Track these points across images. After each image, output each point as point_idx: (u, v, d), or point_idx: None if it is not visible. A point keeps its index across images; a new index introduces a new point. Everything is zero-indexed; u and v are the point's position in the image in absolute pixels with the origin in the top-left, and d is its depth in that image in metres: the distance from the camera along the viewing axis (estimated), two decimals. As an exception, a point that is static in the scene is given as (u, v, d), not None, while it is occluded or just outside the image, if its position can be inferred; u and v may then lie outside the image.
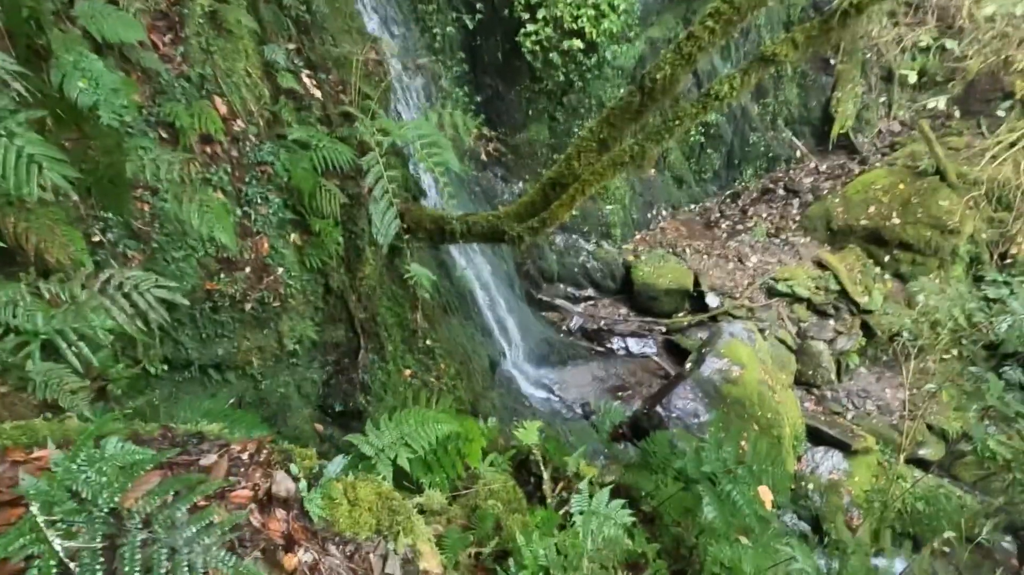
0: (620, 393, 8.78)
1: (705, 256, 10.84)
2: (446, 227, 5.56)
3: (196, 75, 4.10)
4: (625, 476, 3.49)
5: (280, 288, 4.67)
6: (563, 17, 7.83)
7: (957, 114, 11.94)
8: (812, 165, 12.60)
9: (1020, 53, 10.92)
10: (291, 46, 4.99)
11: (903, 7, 12.15)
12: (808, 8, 11.26)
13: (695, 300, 10.04)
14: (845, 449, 8.13)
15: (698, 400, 7.71)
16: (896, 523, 7.49)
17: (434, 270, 6.62)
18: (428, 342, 6.41)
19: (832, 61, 12.44)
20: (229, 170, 4.26)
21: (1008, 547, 7.43)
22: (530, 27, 7.99)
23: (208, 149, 4.15)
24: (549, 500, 2.94)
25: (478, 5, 8.12)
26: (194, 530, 1.16)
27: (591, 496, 2.50)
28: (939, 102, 11.81)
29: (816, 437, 8.31)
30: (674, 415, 7.59)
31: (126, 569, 1.08)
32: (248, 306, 4.43)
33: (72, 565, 1.05)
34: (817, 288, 9.87)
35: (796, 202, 11.98)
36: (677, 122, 4.44)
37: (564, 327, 9.76)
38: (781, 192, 12.26)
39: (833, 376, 9.36)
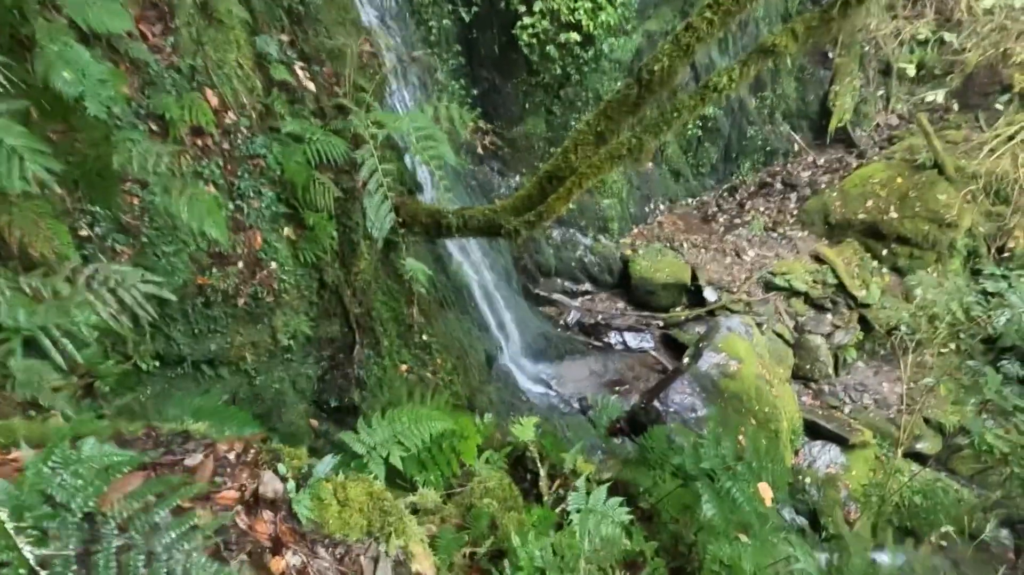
0: (617, 387, 8.74)
1: (703, 250, 10.80)
2: (442, 221, 5.50)
3: (187, 66, 4.03)
4: (623, 472, 3.45)
5: (273, 283, 4.61)
6: (560, 10, 7.75)
7: (955, 107, 11.90)
8: (810, 159, 12.56)
9: (1019, 46, 10.88)
10: (284, 37, 4.91)
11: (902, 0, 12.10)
12: (807, 0, 11.20)
13: (692, 294, 10.01)
14: (842, 443, 8.12)
15: (695, 395, 7.70)
16: (894, 517, 7.49)
17: (430, 264, 6.57)
18: (424, 337, 6.37)
19: (830, 54, 12.38)
20: (221, 163, 4.20)
21: (1005, 540, 7.44)
22: (527, 20, 7.92)
23: (199, 142, 4.08)
24: (546, 498, 2.90)
25: (474, -3, 8.05)
26: (174, 535, 1.12)
27: (588, 493, 2.46)
28: (937, 95, 11.77)
29: (814, 431, 8.30)
30: (672, 410, 7.57)
31: (102, 576, 1.03)
32: (241, 301, 4.37)
33: (44, 573, 1.00)
34: (815, 282, 9.84)
35: (794, 196, 11.94)
36: (675, 114, 4.39)
37: (561, 321, 9.71)
38: (779, 186, 12.22)
39: (831, 370, 9.34)
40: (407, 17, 7.64)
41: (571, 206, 5.20)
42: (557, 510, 2.75)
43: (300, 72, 5.01)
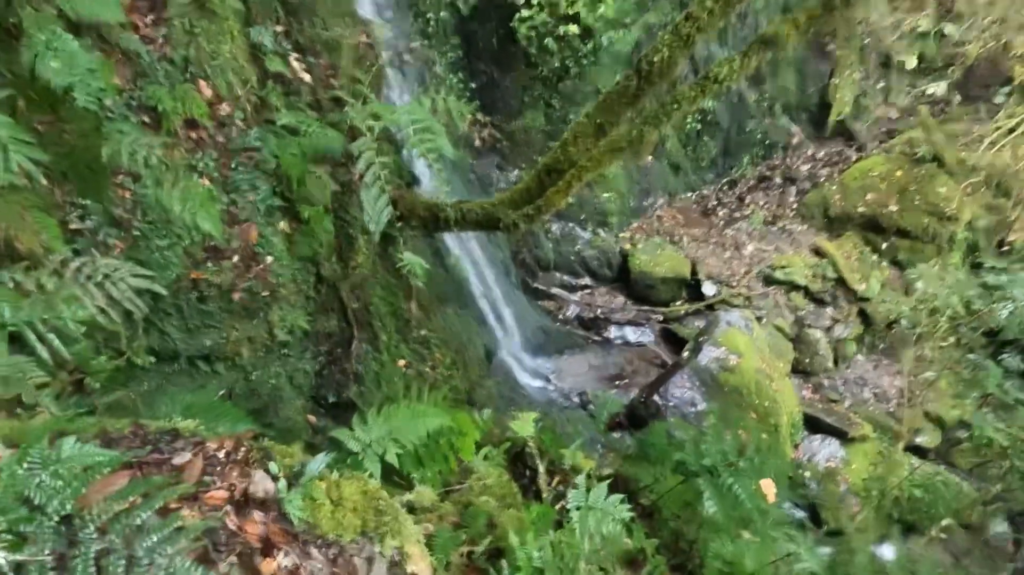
0: (617, 382, 8.71)
1: (702, 244, 10.75)
2: (440, 215, 5.45)
3: (179, 57, 3.97)
4: (623, 468, 3.42)
5: (269, 277, 4.57)
6: (558, 2, 7.68)
7: (956, 100, 11.84)
8: (809, 152, 12.49)
9: (1020, 38, 10.81)
10: (279, 28, 4.85)
11: (902, -9, 12.01)
12: (806, -8, 11.09)
13: (692, 288, 9.97)
14: (842, 437, 8.09)
15: (695, 389, 7.66)
16: (894, 510, 7.47)
17: (428, 258, 6.52)
18: (423, 331, 6.32)
19: (830, 47, 12.31)
20: (215, 156, 4.14)
21: (1004, 533, 7.43)
22: (525, 12, 7.85)
23: (193, 134, 4.03)
24: (545, 494, 2.86)
25: (472, -11, 7.97)
26: (156, 538, 1.07)
27: (588, 490, 2.42)
28: (938, 88, 11.71)
29: (813, 425, 8.27)
30: (671, 404, 7.54)
31: (78, 582, 0.98)
32: (236, 296, 4.33)
33: (19, 579, 0.96)
34: (814, 276, 9.80)
35: (793, 189, 11.88)
36: (675, 106, 4.34)
37: (560, 316, 9.67)
38: (778, 180, 12.16)
39: (830, 364, 9.31)
40: (404, 9, 7.57)
41: (570, 200, 5.15)
42: (556, 507, 2.71)
43: (295, 64, 4.95)
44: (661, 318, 9.68)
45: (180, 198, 3.08)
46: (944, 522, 6.55)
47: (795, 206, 11.49)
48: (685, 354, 8.10)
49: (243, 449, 1.54)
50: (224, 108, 4.25)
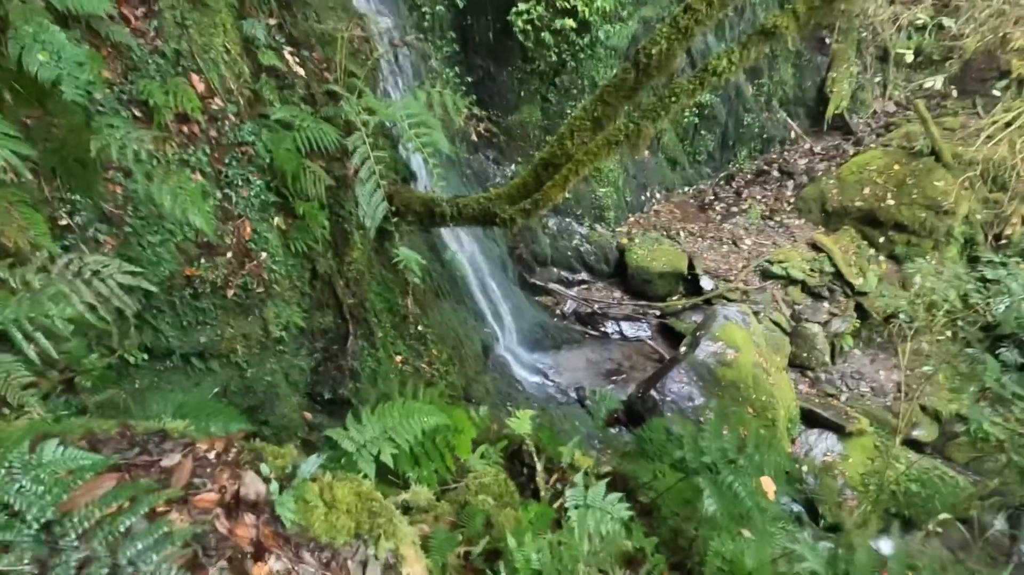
0: (614, 377, 8.70)
1: (699, 239, 10.73)
2: (436, 210, 5.41)
3: (171, 51, 3.91)
4: (621, 465, 3.39)
5: (264, 273, 4.52)
6: (555, -5, 7.64)
7: (953, 94, 11.82)
8: (807, 146, 12.48)
9: (1017, 31, 10.78)
10: (272, 21, 4.79)
11: (900, -16, 11.99)
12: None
13: (689, 283, 9.95)
14: (839, 431, 8.09)
15: (693, 384, 7.65)
16: (891, 505, 7.47)
17: (424, 254, 6.48)
18: (419, 327, 6.29)
19: (827, 41, 12.27)
20: (208, 151, 4.09)
21: (1000, 526, 7.44)
22: (521, 6, 7.79)
23: (185, 128, 3.97)
24: (543, 493, 2.83)
25: (468, -18, 7.91)
26: (141, 545, 1.04)
27: (586, 488, 2.39)
28: (936, 82, 11.69)
29: (810, 419, 8.27)
30: (669, 399, 7.52)
31: (58, 592, 0.95)
32: (230, 292, 4.28)
33: (-2, 589, 0.92)
34: (812, 270, 9.79)
35: (791, 184, 11.87)
36: (673, 99, 4.30)
37: (558, 311, 9.65)
38: (775, 174, 12.14)
39: (827, 358, 9.31)
40: (399, 2, 7.50)
41: (567, 195, 5.11)
42: (555, 506, 2.68)
43: (289, 57, 4.89)
44: (658, 313, 9.67)
45: (171, 193, 3.03)
46: (941, 516, 6.55)
47: (792, 200, 11.48)
48: (682, 349, 8.09)
49: (234, 450, 1.50)
50: (217, 102, 4.20)
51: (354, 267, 5.44)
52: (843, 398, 8.89)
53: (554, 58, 8.34)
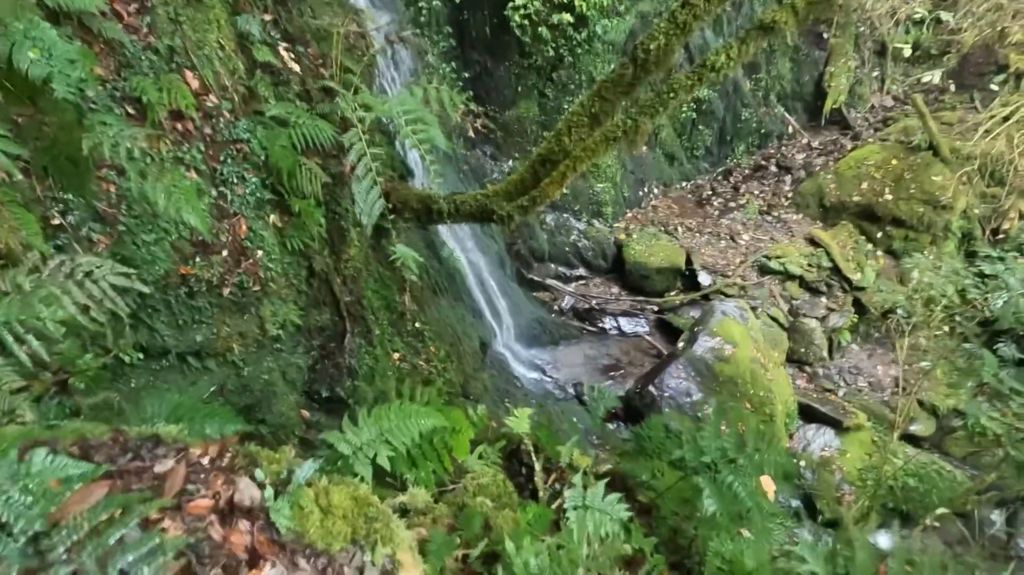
0: (612, 373, 8.70)
1: (697, 234, 10.72)
2: (433, 207, 5.38)
3: (164, 47, 3.86)
4: (620, 464, 3.38)
5: (260, 271, 4.49)
6: (552, -11, 7.60)
7: (951, 88, 11.80)
8: (804, 141, 12.46)
9: (1015, 25, 10.76)
10: (266, 17, 4.74)
11: (898, -22, 11.95)
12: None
13: (687, 279, 9.95)
14: (837, 426, 8.11)
15: (691, 379, 7.65)
16: (888, 499, 7.49)
17: (422, 251, 6.45)
18: (417, 324, 6.27)
19: (825, 35, 12.24)
20: (202, 148, 4.05)
21: (997, 520, 7.46)
22: (518, 1, 7.75)
23: (179, 126, 3.93)
24: (541, 493, 2.82)
25: (464, -24, 7.86)
26: (132, 557, 1.02)
27: (585, 488, 2.38)
28: (934, 76, 11.67)
29: (808, 414, 8.28)
30: (667, 394, 7.52)
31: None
32: (226, 291, 4.25)
33: (-15, 606, 0.90)
34: (809, 265, 9.79)
35: (788, 179, 11.86)
36: (671, 95, 4.27)
37: (556, 307, 9.64)
38: (773, 169, 12.13)
39: (825, 353, 9.32)
40: (395, -4, 7.45)
41: (565, 190, 5.09)
42: (553, 506, 2.67)
43: (284, 53, 4.85)
44: (656, 308, 9.66)
45: (166, 192, 3.00)
46: (938, 511, 6.56)
47: (790, 195, 11.47)
48: (680, 344, 8.08)
49: (228, 455, 1.48)
50: (211, 99, 4.16)
51: (351, 264, 5.41)
52: (841, 393, 8.90)
53: (551, 53, 8.30)
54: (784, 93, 12.43)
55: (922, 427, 8.40)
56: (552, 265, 9.97)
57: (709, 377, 7.59)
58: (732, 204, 11.52)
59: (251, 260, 4.41)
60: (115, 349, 3.37)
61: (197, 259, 4.01)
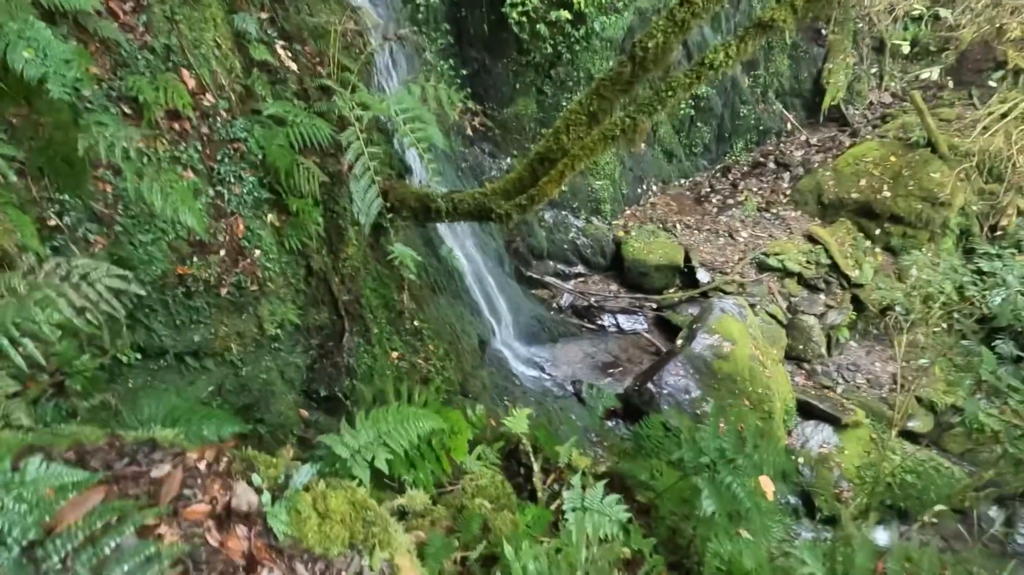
0: (611, 370, 8.70)
1: (696, 231, 10.72)
2: (431, 205, 5.37)
3: (161, 46, 3.84)
4: (619, 464, 3.37)
5: (258, 271, 4.48)
6: (550, -14, 7.57)
7: (950, 84, 11.79)
8: (803, 138, 12.46)
9: (1013, 21, 10.76)
10: (263, 15, 4.72)
11: (896, -26, 11.93)
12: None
13: (686, 276, 9.95)
14: (835, 423, 8.11)
15: (689, 376, 7.65)
16: (887, 496, 7.51)
17: (420, 249, 6.44)
18: (415, 323, 6.26)
19: (824, 32, 12.23)
20: (199, 147, 4.03)
21: (995, 517, 7.48)
22: (516, -3, 7.72)
23: (176, 125, 3.91)
24: (540, 494, 2.81)
25: (462, -27, 7.83)
26: (127, 566, 1.01)
27: (584, 489, 2.38)
28: (932, 73, 11.66)
29: (806, 411, 8.29)
30: (665, 392, 7.52)
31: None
32: (224, 290, 4.24)
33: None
34: (808, 262, 9.80)
35: (787, 176, 11.86)
36: (670, 92, 4.25)
37: (554, 304, 9.64)
38: (772, 166, 12.13)
39: (823, 350, 9.32)
40: (393, -6, 7.42)
41: (563, 188, 5.08)
42: (552, 507, 2.66)
43: (281, 52, 4.82)
44: (655, 306, 9.66)
45: (162, 192, 2.99)
46: (936, 507, 6.58)
47: (789, 192, 11.47)
48: (679, 342, 8.09)
49: (225, 459, 1.48)
50: (208, 98, 4.14)
51: (349, 263, 5.40)
52: (839, 390, 8.91)
53: (549, 50, 8.28)
54: (783, 90, 12.42)
55: (920, 424, 8.41)
56: (551, 263, 9.96)
57: (708, 374, 7.59)
58: (731, 201, 11.51)
59: (249, 259, 4.40)
60: (112, 350, 3.36)
61: (194, 259, 4.00)
